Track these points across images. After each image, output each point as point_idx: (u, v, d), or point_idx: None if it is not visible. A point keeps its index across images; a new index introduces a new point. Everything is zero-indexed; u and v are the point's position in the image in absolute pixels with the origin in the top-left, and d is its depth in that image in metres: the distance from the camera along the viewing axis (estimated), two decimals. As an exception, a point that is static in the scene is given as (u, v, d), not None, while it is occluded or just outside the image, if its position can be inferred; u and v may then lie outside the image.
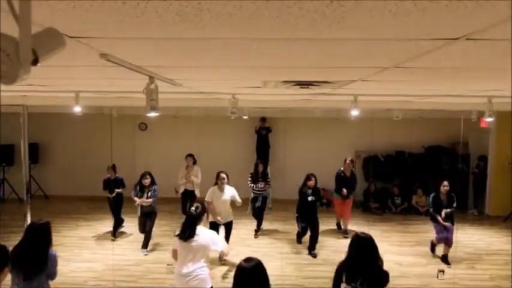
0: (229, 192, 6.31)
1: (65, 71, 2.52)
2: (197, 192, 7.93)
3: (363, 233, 3.38)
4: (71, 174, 10.48)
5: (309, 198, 6.88)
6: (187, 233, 3.91)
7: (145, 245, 6.99)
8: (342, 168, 8.07)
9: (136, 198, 6.87)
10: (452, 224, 6.69)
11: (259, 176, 7.78)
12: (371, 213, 9.61)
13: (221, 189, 6.23)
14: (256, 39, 1.42)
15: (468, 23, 1.15)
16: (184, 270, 3.94)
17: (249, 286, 2.57)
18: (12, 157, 10.15)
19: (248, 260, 2.64)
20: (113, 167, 7.67)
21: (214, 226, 5.75)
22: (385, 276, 3.19)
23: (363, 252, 3.19)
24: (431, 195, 6.94)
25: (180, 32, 1.30)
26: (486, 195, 9.87)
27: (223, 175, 6.23)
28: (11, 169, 10.24)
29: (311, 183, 6.94)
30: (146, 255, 6.86)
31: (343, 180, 7.97)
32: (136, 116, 10.46)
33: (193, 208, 4.07)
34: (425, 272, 6.36)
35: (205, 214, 4.33)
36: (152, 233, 7.10)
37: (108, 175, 7.55)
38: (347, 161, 8.11)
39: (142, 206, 6.88)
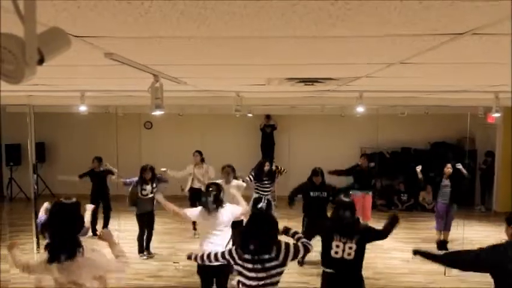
0: (235, 185, 6.09)
1: (71, 71, 2.53)
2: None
3: (345, 196, 4.13)
4: (77, 173, 10.54)
5: (311, 194, 6.36)
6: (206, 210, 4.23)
7: (147, 248, 6.78)
8: (360, 162, 7.87)
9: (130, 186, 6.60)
10: (451, 205, 7.06)
11: (265, 175, 7.22)
12: (377, 210, 9.57)
13: (227, 182, 6.04)
14: (261, 38, 1.41)
15: (474, 18, 1.14)
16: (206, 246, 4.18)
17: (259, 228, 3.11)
18: (19, 156, 10.23)
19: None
20: (98, 159, 7.75)
21: None
22: (367, 229, 3.91)
23: (348, 212, 3.78)
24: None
25: (185, 31, 1.30)
26: (493, 192, 9.81)
27: (228, 169, 6.19)
28: (18, 168, 10.32)
29: (317, 179, 6.41)
30: (146, 258, 6.66)
31: (360, 173, 7.73)
32: (142, 114, 10.50)
33: (210, 188, 4.37)
34: (432, 269, 6.32)
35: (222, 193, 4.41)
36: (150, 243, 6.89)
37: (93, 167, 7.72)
38: (362, 157, 8.01)
39: (142, 203, 6.60)
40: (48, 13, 1.06)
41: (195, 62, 2.13)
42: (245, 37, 1.41)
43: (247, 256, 3.06)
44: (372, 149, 10.40)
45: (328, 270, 3.85)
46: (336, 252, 3.74)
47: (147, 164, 6.85)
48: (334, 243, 3.76)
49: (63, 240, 2.69)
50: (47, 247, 2.75)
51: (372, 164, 8.07)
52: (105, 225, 7.67)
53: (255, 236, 3.04)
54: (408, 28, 1.26)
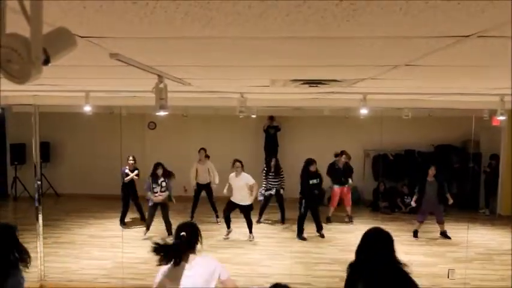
0: (244, 179, 7.32)
1: (76, 71, 2.54)
2: (216, 182, 8.36)
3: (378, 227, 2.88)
4: (82, 172, 10.58)
5: (310, 182, 7.57)
6: (172, 260, 2.76)
7: (170, 231, 7.20)
8: (336, 161, 9.03)
9: (150, 195, 7.37)
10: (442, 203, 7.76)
11: (272, 170, 8.35)
12: (380, 213, 9.55)
13: (237, 175, 7.36)
14: (265, 38, 1.41)
15: (479, 21, 1.13)
16: None
17: None
18: (24, 156, 10.28)
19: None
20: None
21: (231, 206, 7.33)
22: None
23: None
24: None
25: (189, 32, 1.30)
26: (498, 195, 9.74)
27: (238, 163, 7.39)
28: (22, 168, 10.36)
29: (313, 168, 7.64)
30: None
31: (337, 171, 8.91)
32: (146, 115, 10.51)
33: (183, 233, 2.88)
34: (435, 272, 6.30)
35: (200, 238, 2.97)
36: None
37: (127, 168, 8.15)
38: (342, 155, 9.06)
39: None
40: (54, 13, 1.07)
41: (200, 63, 2.14)
42: (250, 38, 1.41)
43: None
44: (375, 151, 10.37)
45: None
46: None
47: (158, 162, 7.65)
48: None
49: None
50: None
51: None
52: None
53: None
54: (414, 29, 1.25)
